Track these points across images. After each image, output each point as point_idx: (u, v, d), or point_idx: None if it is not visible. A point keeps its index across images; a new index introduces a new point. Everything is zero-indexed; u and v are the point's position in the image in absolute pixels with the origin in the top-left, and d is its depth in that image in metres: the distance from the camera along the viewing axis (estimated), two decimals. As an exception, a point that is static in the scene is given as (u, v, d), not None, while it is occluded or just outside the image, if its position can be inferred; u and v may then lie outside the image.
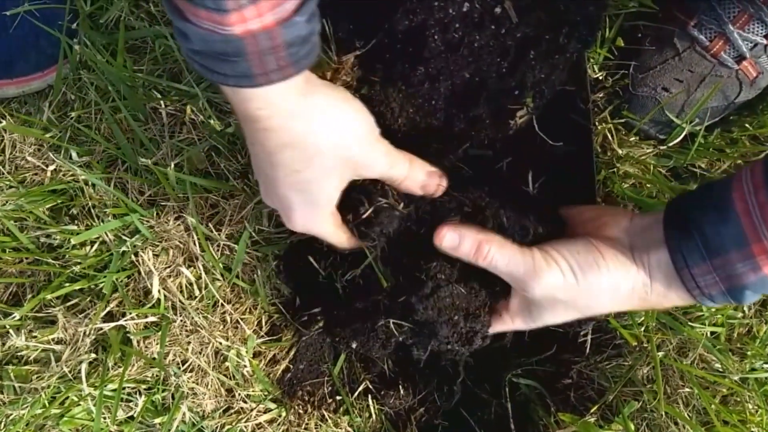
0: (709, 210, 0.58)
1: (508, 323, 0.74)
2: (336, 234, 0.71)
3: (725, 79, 0.84)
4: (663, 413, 0.87)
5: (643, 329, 0.87)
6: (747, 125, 0.89)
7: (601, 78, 0.91)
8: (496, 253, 0.66)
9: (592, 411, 0.89)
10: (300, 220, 0.68)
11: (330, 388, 0.95)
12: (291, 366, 0.93)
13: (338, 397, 0.94)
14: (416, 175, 0.69)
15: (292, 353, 0.93)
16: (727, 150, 0.89)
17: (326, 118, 0.61)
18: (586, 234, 0.68)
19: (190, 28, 0.51)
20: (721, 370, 0.90)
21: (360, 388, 0.95)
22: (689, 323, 0.88)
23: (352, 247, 0.74)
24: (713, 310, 0.89)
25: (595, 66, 0.91)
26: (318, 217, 0.68)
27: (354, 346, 0.86)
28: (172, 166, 0.79)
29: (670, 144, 0.88)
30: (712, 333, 0.90)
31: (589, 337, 0.90)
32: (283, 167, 0.63)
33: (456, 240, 0.67)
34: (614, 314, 0.90)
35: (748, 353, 0.91)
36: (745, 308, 0.91)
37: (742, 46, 0.81)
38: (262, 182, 0.68)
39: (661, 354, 0.88)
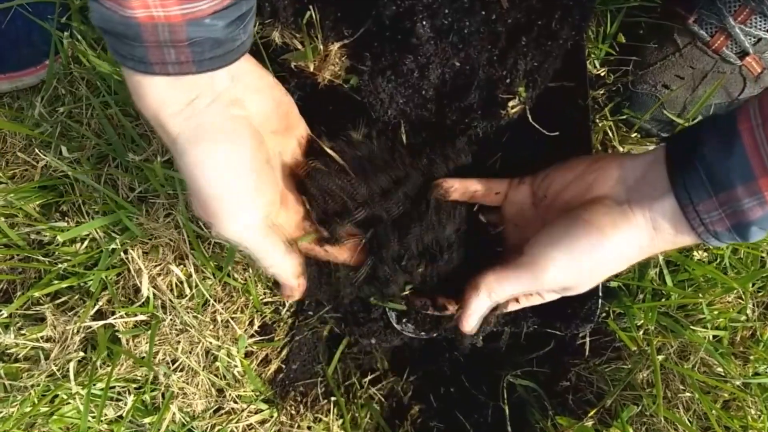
0: (714, 143, 0.55)
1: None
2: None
3: (728, 75, 0.81)
4: (662, 418, 0.85)
5: (642, 332, 0.86)
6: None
7: (602, 74, 0.90)
8: (498, 288, 0.66)
9: (590, 415, 0.87)
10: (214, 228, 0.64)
11: (324, 388, 0.94)
12: (283, 366, 0.91)
13: (332, 398, 0.93)
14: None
15: (284, 353, 0.91)
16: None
17: (202, 142, 0.57)
18: (574, 198, 0.66)
19: (93, 5, 0.51)
20: (723, 374, 0.87)
21: (354, 389, 0.94)
22: (691, 326, 0.86)
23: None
24: (715, 313, 0.87)
25: (596, 62, 0.89)
26: (231, 231, 0.63)
27: (373, 341, 0.87)
28: (159, 161, 0.78)
29: (672, 142, 0.86)
30: (714, 336, 0.88)
31: (587, 340, 0.88)
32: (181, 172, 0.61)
33: (476, 315, 0.68)
34: (613, 317, 0.88)
35: (752, 357, 0.88)
36: (749, 311, 0.89)
37: (744, 42, 0.78)
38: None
39: (661, 357, 0.86)
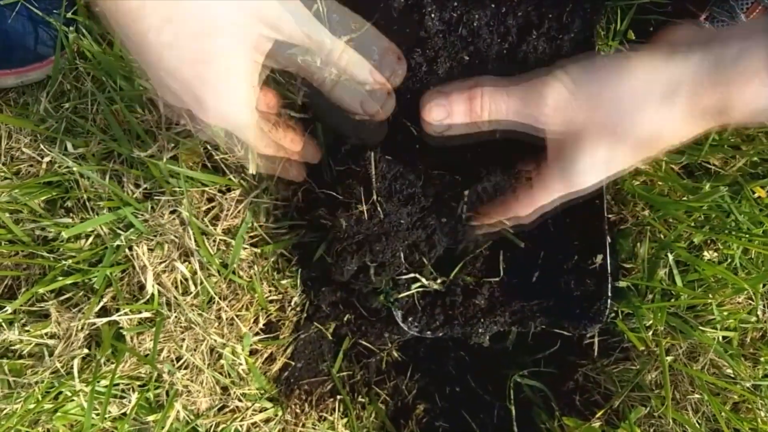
0: None
1: (549, 187, 0.60)
2: (254, 130, 0.61)
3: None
4: (671, 420, 0.84)
5: (651, 333, 0.85)
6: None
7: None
8: (492, 96, 0.55)
9: (597, 416, 0.87)
10: (213, 106, 0.56)
11: (329, 387, 0.93)
12: (289, 364, 0.91)
13: (337, 397, 0.93)
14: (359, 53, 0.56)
15: (289, 351, 0.91)
16: (743, 147, 0.85)
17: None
18: None
19: None
20: (732, 376, 0.87)
21: (359, 388, 0.94)
22: (700, 327, 0.85)
23: (272, 153, 0.64)
24: (725, 314, 0.86)
25: (605, 59, 0.88)
26: (233, 99, 0.57)
27: (386, 335, 0.88)
28: (165, 159, 0.77)
29: (683, 140, 0.85)
30: (724, 338, 0.87)
31: (596, 340, 0.88)
32: (174, 49, 0.52)
33: (445, 106, 0.57)
34: (622, 317, 0.87)
35: (762, 359, 0.87)
36: (759, 312, 0.88)
37: (757, 39, 0.77)
38: (155, 79, 0.56)
39: (670, 358, 0.85)
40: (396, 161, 0.73)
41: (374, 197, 0.72)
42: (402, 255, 0.76)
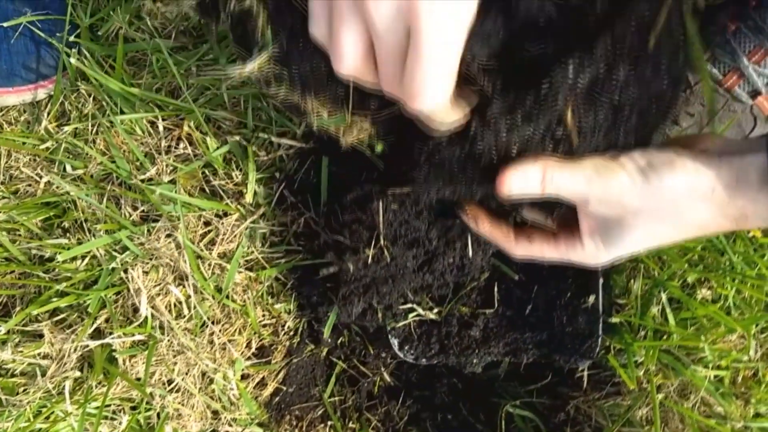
0: None
1: (579, 249, 0.64)
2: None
3: (739, 114, 0.81)
4: (660, 458, 0.84)
5: (643, 371, 0.85)
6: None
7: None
8: (558, 175, 0.59)
9: (587, 450, 0.87)
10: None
11: (320, 412, 0.93)
12: (280, 389, 0.91)
13: (329, 422, 0.93)
14: None
15: (281, 375, 0.91)
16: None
17: None
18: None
19: None
20: (723, 415, 0.86)
21: (350, 413, 0.94)
22: (692, 365, 0.85)
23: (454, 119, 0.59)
24: (717, 353, 0.85)
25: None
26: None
27: (383, 356, 0.90)
28: (162, 184, 0.77)
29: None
30: (715, 376, 0.86)
31: (585, 374, 0.88)
32: None
33: (523, 179, 0.59)
34: (614, 352, 0.87)
35: (753, 399, 0.87)
36: (752, 351, 0.87)
37: (757, 81, 0.77)
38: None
39: (661, 395, 0.85)
40: (401, 210, 0.74)
41: (381, 242, 0.73)
42: (410, 296, 0.78)
